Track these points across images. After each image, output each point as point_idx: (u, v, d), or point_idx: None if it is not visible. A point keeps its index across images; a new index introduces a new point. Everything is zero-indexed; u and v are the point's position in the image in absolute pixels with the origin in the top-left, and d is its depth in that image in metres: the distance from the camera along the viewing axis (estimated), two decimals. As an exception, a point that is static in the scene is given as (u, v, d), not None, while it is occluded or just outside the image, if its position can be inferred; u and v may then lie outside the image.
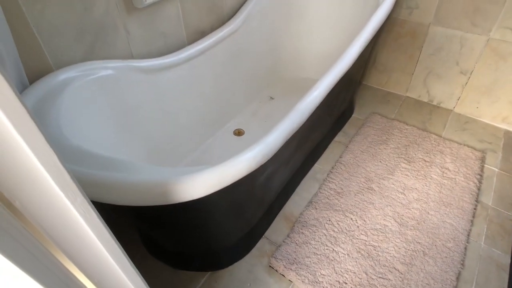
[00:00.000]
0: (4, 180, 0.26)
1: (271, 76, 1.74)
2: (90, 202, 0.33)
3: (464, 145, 1.51)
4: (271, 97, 1.69)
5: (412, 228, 1.16)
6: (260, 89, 1.69)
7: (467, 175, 1.34)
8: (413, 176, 1.34)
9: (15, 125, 0.24)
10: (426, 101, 1.78)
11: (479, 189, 1.31)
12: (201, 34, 1.33)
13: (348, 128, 1.61)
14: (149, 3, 1.05)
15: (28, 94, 0.81)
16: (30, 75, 0.87)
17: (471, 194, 1.28)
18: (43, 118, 0.76)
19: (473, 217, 1.22)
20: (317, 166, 1.41)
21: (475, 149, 1.49)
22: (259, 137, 0.73)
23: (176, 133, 1.28)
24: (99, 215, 0.35)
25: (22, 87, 0.84)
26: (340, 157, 1.43)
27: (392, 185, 1.30)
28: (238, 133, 1.49)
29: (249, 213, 0.98)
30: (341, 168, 1.37)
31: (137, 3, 1.03)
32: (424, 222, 1.18)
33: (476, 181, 1.32)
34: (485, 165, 1.42)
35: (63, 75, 0.89)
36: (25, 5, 0.81)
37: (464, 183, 1.32)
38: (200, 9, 1.29)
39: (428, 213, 1.21)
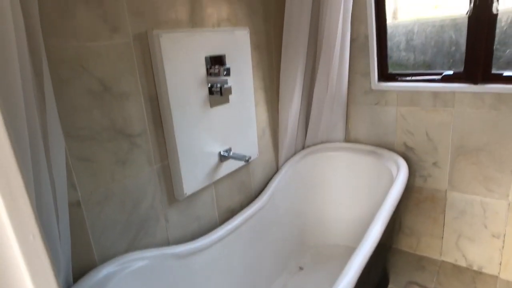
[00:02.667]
0: None
1: (298, 245, 1.75)
2: None
3: (526, 323, 1.32)
4: (300, 267, 1.65)
5: None
6: (288, 259, 1.68)
7: None
8: None
9: None
10: (465, 266, 1.68)
11: None
12: (231, 212, 1.45)
13: (386, 303, 1.48)
14: (189, 195, 1.20)
15: (70, 297, 0.84)
16: (75, 269, 0.93)
17: None
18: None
19: None
20: None
21: (541, 329, 1.29)
22: None
23: (204, 318, 1.22)
24: None
25: (66, 286, 0.89)
26: None
27: None
28: (268, 312, 1.40)
29: None
30: None
31: (179, 196, 1.18)
32: None
33: None
34: None
35: (104, 271, 0.94)
36: (87, 209, 0.95)
37: None
38: (231, 190, 1.44)
39: None
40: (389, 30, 1.69)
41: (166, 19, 1.09)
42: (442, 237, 1.71)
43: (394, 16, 1.84)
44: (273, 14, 1.54)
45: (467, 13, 1.44)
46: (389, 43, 1.69)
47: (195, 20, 1.19)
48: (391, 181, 1.48)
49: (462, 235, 1.66)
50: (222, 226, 1.31)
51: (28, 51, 0.73)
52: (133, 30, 1.00)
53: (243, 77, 1.37)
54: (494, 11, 1.39)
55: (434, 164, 1.64)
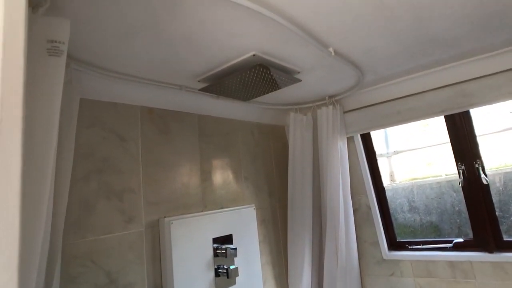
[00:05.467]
0: None
1: None
2: None
3: None
4: None
5: None
6: None
7: None
8: None
9: None
10: None
11: None
12: None
13: None
14: None
15: None
16: None
17: None
18: None
19: None
20: None
21: None
22: None
23: None
24: None
25: None
26: None
27: None
28: None
29: None
30: None
31: None
32: None
33: None
34: None
35: None
36: None
37: None
38: None
39: None
40: (389, 193, 1.78)
41: (178, 205, 1.19)
42: None
43: (392, 179, 1.97)
44: (277, 189, 1.67)
45: (459, 184, 1.54)
46: (392, 206, 1.74)
47: (205, 203, 1.29)
48: None
49: None
50: None
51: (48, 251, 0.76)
52: (146, 219, 1.08)
53: (250, 254, 1.36)
54: (484, 181, 1.48)
55: None
